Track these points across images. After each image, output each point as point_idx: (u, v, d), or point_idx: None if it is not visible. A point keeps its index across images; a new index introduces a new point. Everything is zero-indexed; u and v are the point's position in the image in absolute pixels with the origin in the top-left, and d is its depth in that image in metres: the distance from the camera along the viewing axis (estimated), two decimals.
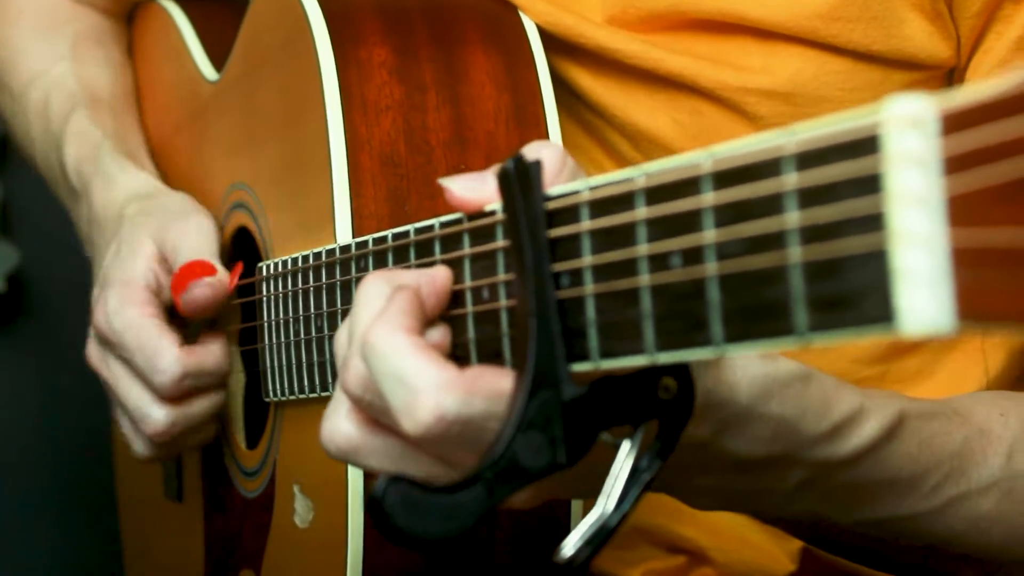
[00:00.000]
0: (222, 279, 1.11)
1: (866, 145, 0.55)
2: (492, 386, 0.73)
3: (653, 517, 1.13)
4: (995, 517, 0.89)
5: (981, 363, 1.09)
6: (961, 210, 0.53)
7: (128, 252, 1.15)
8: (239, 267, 1.14)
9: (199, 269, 1.10)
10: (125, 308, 1.12)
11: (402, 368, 0.73)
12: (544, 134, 1.04)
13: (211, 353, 1.12)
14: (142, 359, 1.11)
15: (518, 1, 1.08)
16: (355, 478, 0.96)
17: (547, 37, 1.08)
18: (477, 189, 0.79)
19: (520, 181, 0.74)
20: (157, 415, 1.11)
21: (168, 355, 1.10)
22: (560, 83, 1.10)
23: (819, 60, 1.03)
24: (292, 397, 1.05)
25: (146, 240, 1.15)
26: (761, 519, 0.91)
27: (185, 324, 1.16)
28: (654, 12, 1.06)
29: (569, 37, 1.08)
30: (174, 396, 1.11)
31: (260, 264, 1.10)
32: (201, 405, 1.13)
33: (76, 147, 1.27)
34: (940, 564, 0.97)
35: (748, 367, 0.78)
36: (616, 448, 0.73)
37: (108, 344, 1.13)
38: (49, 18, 1.37)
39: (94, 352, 1.16)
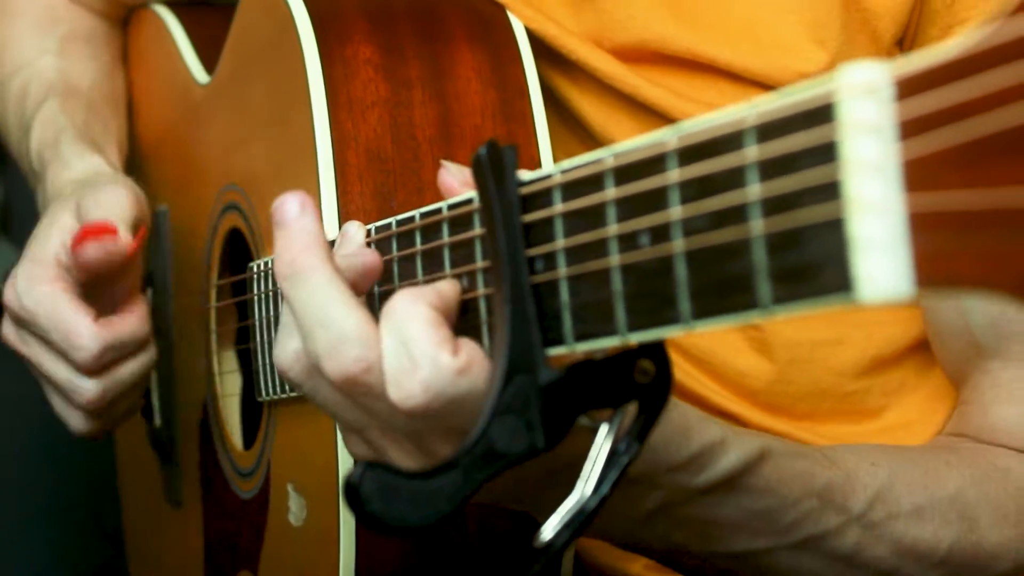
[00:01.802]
0: (120, 240, 1.07)
1: (822, 114, 0.55)
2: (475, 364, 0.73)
3: None
4: (852, 556, 0.92)
5: None
6: (917, 175, 0.53)
7: (46, 226, 1.13)
8: (142, 231, 1.11)
9: (97, 230, 1.07)
10: (35, 285, 1.10)
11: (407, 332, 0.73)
12: (531, 130, 1.04)
13: (127, 322, 1.11)
14: (59, 337, 1.09)
15: (506, 2, 1.08)
16: (347, 475, 0.96)
17: (535, 42, 1.08)
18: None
19: (493, 168, 0.74)
20: (85, 386, 1.10)
21: (85, 331, 1.08)
22: (548, 91, 1.10)
23: None
24: (283, 396, 1.05)
25: (65, 215, 1.13)
26: (611, 541, 0.92)
27: (100, 292, 1.12)
28: (627, 45, 1.07)
29: (554, 46, 1.08)
30: (97, 369, 1.10)
31: (251, 263, 1.11)
32: (128, 369, 1.11)
33: (41, 132, 1.26)
34: None
35: None
36: (594, 432, 0.73)
37: (22, 323, 1.12)
38: (45, 16, 1.38)
39: (9, 331, 1.14)
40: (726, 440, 0.85)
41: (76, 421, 1.15)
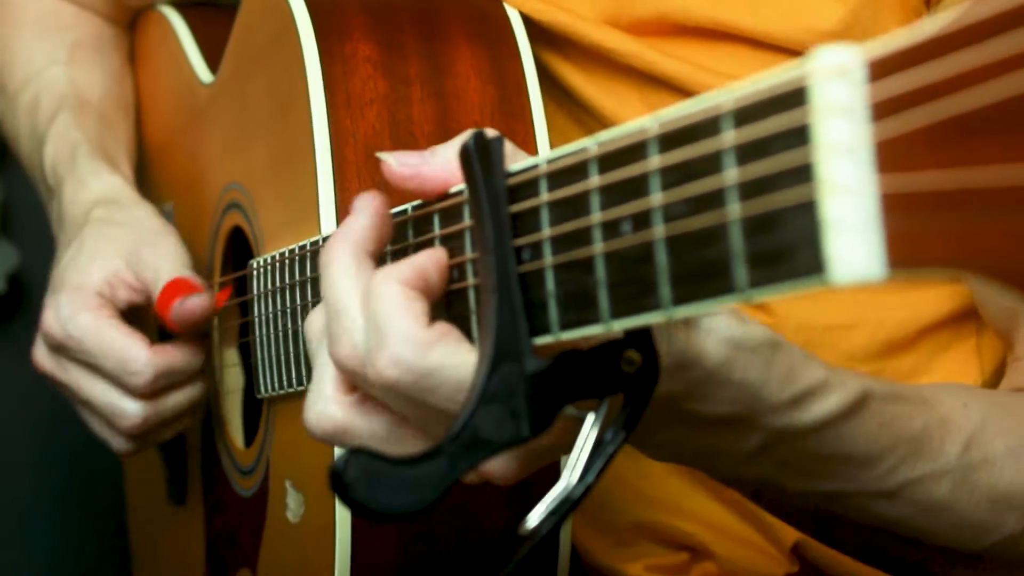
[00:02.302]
0: (209, 295, 1.13)
1: (795, 97, 0.55)
2: (452, 347, 0.74)
3: (655, 513, 1.13)
4: (945, 504, 0.90)
5: (976, 362, 1.09)
6: (890, 156, 0.53)
7: (87, 258, 1.16)
8: (229, 289, 1.16)
9: (185, 286, 1.12)
10: (80, 313, 1.13)
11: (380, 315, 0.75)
12: (530, 126, 1.04)
13: (182, 352, 1.14)
14: (112, 363, 1.12)
15: None
16: (332, 461, 0.97)
17: (537, 33, 1.09)
18: (415, 166, 0.80)
19: (481, 158, 0.74)
20: (131, 409, 1.13)
21: (140, 357, 1.11)
22: (550, 79, 1.11)
23: None
24: (281, 391, 1.05)
25: (111, 252, 1.16)
26: (712, 475, 0.91)
27: (143, 326, 1.16)
28: (645, 18, 1.07)
29: (563, 33, 1.09)
30: (148, 394, 1.12)
31: (251, 261, 1.12)
32: (176, 400, 1.14)
33: (55, 147, 1.28)
34: (935, 565, 0.96)
35: (718, 330, 0.78)
36: (580, 421, 0.73)
37: (64, 349, 1.14)
38: (51, 23, 1.39)
39: (45, 358, 1.16)
40: (828, 382, 0.84)
41: (117, 442, 1.17)
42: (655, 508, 1.13)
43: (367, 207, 0.81)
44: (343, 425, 0.80)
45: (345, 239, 0.80)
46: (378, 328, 0.75)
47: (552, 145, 1.04)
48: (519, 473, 0.78)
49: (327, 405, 0.80)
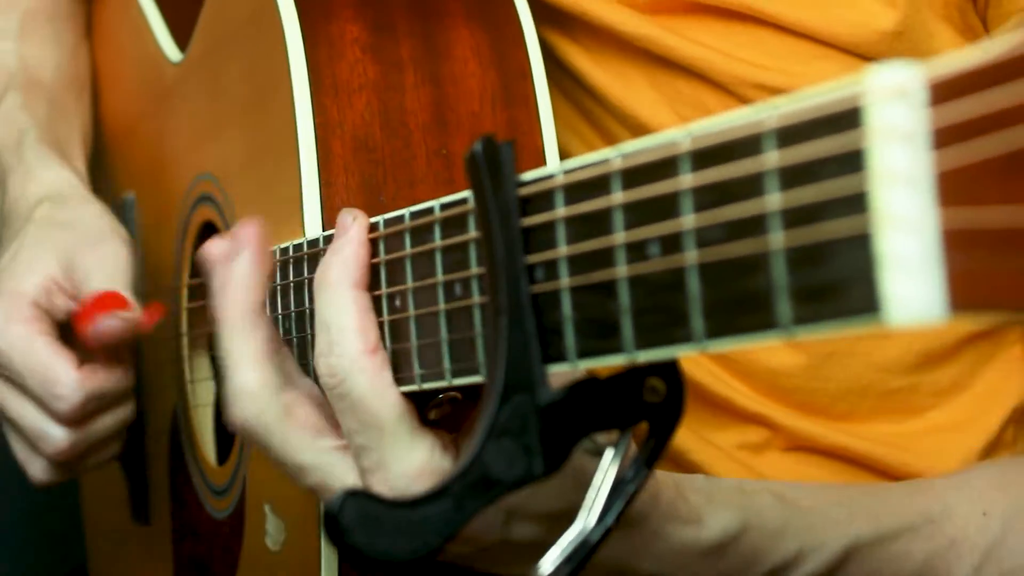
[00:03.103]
0: (135, 315, 1.10)
1: (848, 118, 0.55)
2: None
3: None
4: None
5: (1021, 374, 1.09)
6: (953, 188, 0.53)
7: (25, 263, 1.14)
8: (156, 306, 1.13)
9: (112, 301, 1.09)
10: (10, 325, 1.11)
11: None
12: (534, 115, 1.04)
13: (112, 374, 1.12)
14: (36, 383, 1.10)
15: None
16: (326, 502, 0.96)
17: (543, 11, 1.08)
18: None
19: (489, 166, 0.74)
20: (57, 435, 1.11)
21: (67, 380, 1.09)
22: (556, 63, 1.10)
23: (839, 64, 1.03)
24: None
25: (48, 257, 1.14)
26: None
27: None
28: None
29: (571, 12, 1.08)
30: (76, 420, 1.11)
31: None
32: (105, 423, 1.13)
33: (2, 132, 1.27)
34: None
35: (667, 535, 0.87)
36: (599, 457, 0.73)
37: None
38: None
39: None
40: (802, 552, 0.91)
41: (37, 469, 1.15)
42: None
43: (355, 236, 0.86)
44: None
45: (345, 267, 0.85)
46: (329, 335, 0.83)
47: (558, 138, 1.03)
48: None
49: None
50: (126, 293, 1.11)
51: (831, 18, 1.02)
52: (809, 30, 1.03)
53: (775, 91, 1.03)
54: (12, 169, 1.24)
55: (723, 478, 1.02)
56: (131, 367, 1.14)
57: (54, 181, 1.22)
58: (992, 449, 1.08)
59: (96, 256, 1.14)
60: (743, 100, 1.05)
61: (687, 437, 1.05)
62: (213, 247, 0.92)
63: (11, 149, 1.25)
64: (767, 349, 1.07)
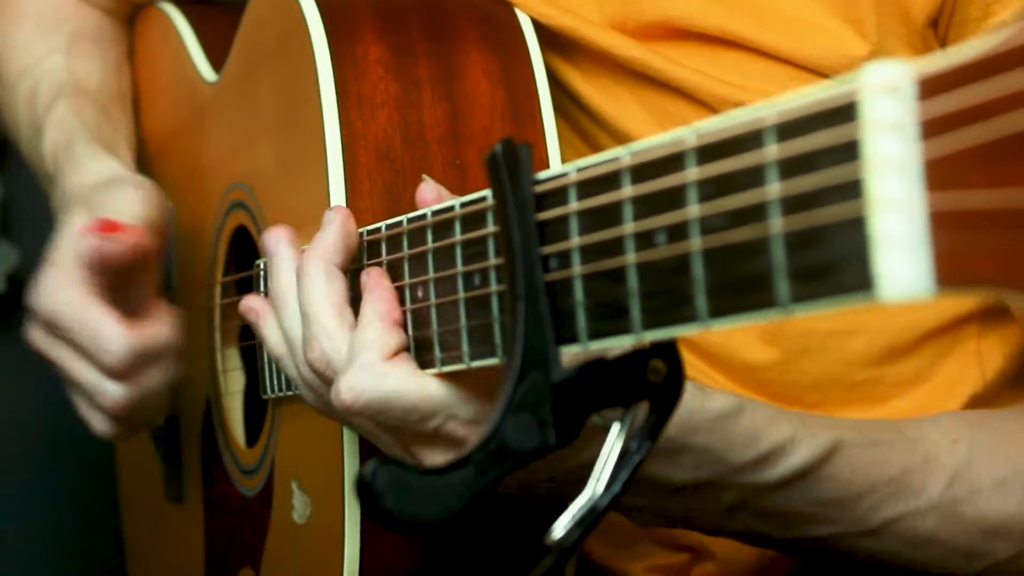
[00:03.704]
0: (126, 235, 1.08)
1: (844, 113, 0.55)
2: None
3: None
4: (931, 538, 0.95)
5: (978, 366, 1.09)
6: (939, 174, 0.53)
7: (66, 232, 1.14)
8: (159, 230, 1.12)
9: (104, 226, 1.08)
10: (60, 289, 1.11)
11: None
12: (540, 131, 1.04)
13: (159, 327, 1.11)
14: (87, 340, 1.10)
15: (516, 0, 1.08)
16: (352, 473, 0.96)
17: (544, 36, 1.08)
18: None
19: (508, 165, 0.74)
20: (111, 389, 1.11)
21: (114, 335, 1.09)
22: (556, 85, 1.11)
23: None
24: (287, 393, 1.05)
25: (80, 220, 1.13)
26: (697, 531, 0.97)
27: (135, 298, 1.13)
28: (651, 23, 1.07)
29: (569, 37, 1.09)
30: (125, 374, 1.10)
31: (257, 261, 1.11)
32: (154, 377, 1.12)
33: (54, 135, 1.27)
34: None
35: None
36: (606, 430, 0.73)
37: (49, 326, 1.12)
38: (51, 15, 1.38)
39: (36, 335, 1.15)
40: (796, 438, 0.89)
41: (99, 423, 1.15)
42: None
43: (334, 220, 0.89)
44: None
45: (317, 251, 0.88)
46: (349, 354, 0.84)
47: (560, 153, 1.04)
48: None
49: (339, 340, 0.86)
50: (133, 222, 1.09)
51: (805, 43, 1.02)
52: (786, 55, 1.03)
53: None
54: (64, 166, 1.24)
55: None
56: (175, 323, 1.13)
57: (102, 171, 1.21)
58: None
59: (108, 199, 1.13)
60: None
61: None
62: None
63: (63, 148, 1.25)
64: (745, 346, 1.07)
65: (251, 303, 0.98)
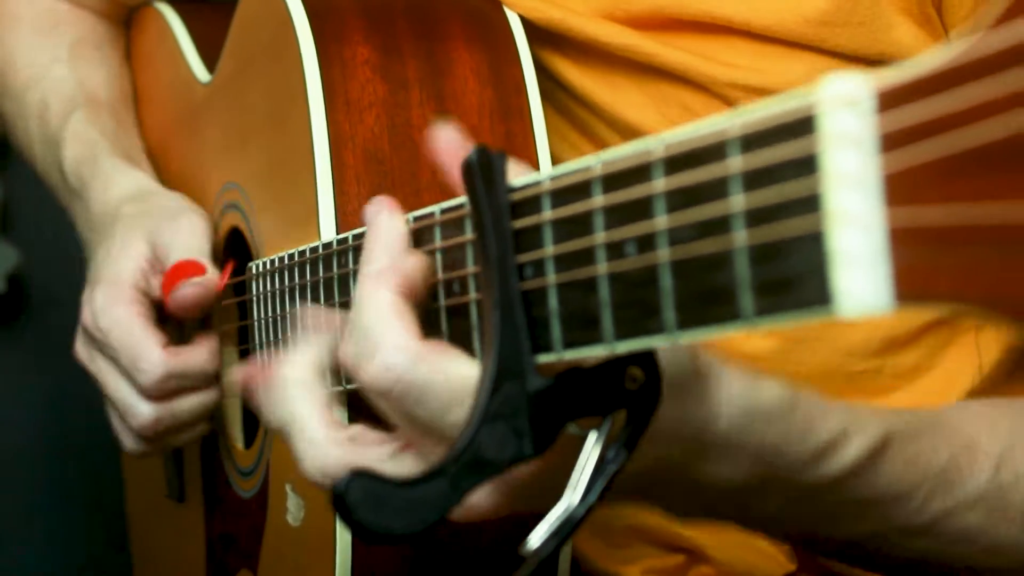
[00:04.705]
0: (211, 278, 1.12)
1: (803, 126, 0.54)
2: (442, 362, 0.74)
3: (651, 516, 1.13)
4: (981, 530, 0.90)
5: (976, 358, 1.08)
6: (898, 189, 0.52)
7: (119, 251, 1.16)
8: (230, 266, 1.15)
9: (189, 268, 1.11)
10: (112, 307, 1.13)
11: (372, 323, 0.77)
12: (529, 128, 1.04)
13: (197, 355, 1.13)
14: (126, 358, 1.12)
15: None
16: (334, 483, 0.96)
17: (533, 30, 1.08)
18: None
19: (483, 173, 0.73)
20: (142, 409, 1.12)
21: (152, 355, 1.11)
22: (547, 76, 1.10)
23: (808, 61, 1.02)
24: None
25: (138, 241, 1.16)
26: (745, 527, 0.91)
27: (179, 324, 1.16)
28: (640, 13, 1.06)
29: (557, 30, 1.08)
30: (158, 395, 1.12)
31: (250, 264, 1.11)
32: (187, 403, 1.13)
33: (74, 149, 1.28)
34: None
35: (731, 394, 0.78)
36: (583, 439, 0.73)
37: (95, 341, 1.15)
38: (47, 22, 1.38)
39: (82, 349, 1.17)
40: (848, 431, 0.83)
41: (127, 439, 1.17)
42: (653, 511, 1.13)
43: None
44: (348, 463, 0.78)
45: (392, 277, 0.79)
46: (369, 337, 0.76)
47: (551, 148, 1.03)
48: (502, 509, 0.77)
49: (326, 450, 0.80)
50: (203, 259, 1.13)
51: (789, 20, 1.01)
52: (774, 32, 1.02)
53: (750, 88, 1.03)
54: (91, 181, 1.25)
55: None
56: (216, 354, 1.15)
57: (131, 183, 1.23)
58: None
59: (174, 230, 1.15)
60: (722, 98, 1.05)
61: None
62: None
63: (87, 163, 1.27)
64: (744, 336, 1.06)
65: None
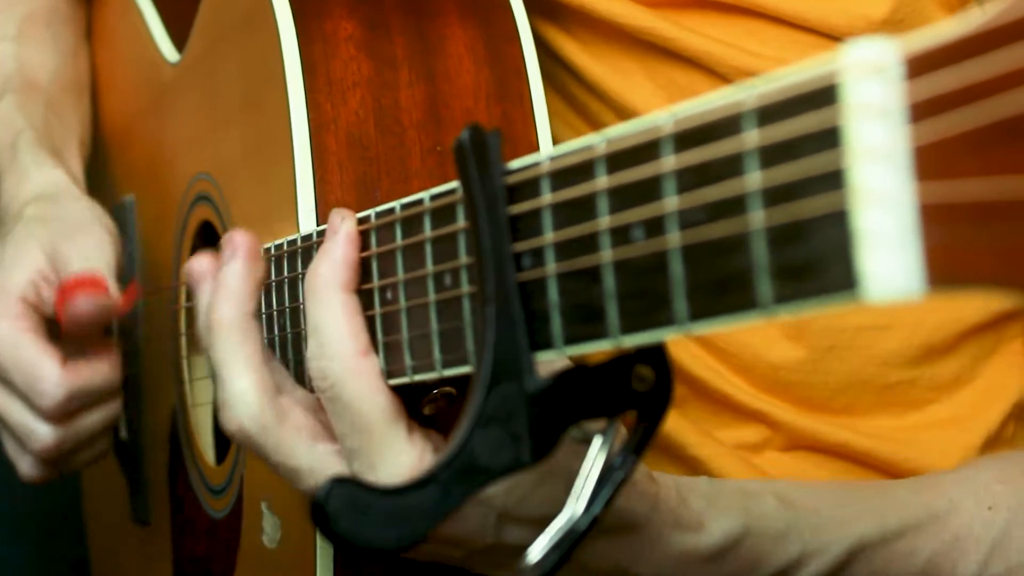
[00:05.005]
0: (110, 298, 1.10)
1: (825, 95, 0.55)
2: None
3: None
4: None
5: (1022, 368, 1.09)
6: (930, 162, 0.52)
7: (11, 259, 1.15)
8: (133, 287, 1.13)
9: (87, 284, 1.09)
10: None
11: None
12: (529, 112, 1.04)
13: (99, 370, 1.12)
14: (21, 380, 1.11)
15: None
16: (312, 491, 0.96)
17: (538, 5, 1.08)
18: None
19: (476, 154, 0.74)
20: (42, 433, 1.12)
21: (50, 377, 1.10)
22: (547, 54, 1.10)
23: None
24: None
25: (34, 250, 1.15)
26: None
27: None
28: None
29: (570, 5, 1.08)
30: (59, 417, 1.11)
31: None
32: (91, 420, 1.13)
33: None
34: None
35: (666, 540, 0.87)
36: (586, 444, 0.73)
37: None
38: None
39: None
40: (805, 555, 0.91)
41: (26, 466, 1.16)
42: None
43: (344, 238, 0.87)
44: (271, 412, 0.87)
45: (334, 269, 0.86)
46: (319, 337, 0.84)
47: (552, 132, 1.04)
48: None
49: (250, 396, 0.87)
50: (108, 277, 1.11)
51: (826, 8, 1.02)
52: (805, 20, 1.03)
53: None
54: (6, 171, 1.24)
55: (726, 480, 1.02)
56: (118, 365, 1.14)
57: (46, 182, 1.22)
58: (992, 444, 1.08)
59: (78, 245, 1.14)
60: None
61: (688, 431, 1.05)
62: (197, 263, 0.93)
63: (6, 151, 1.25)
64: (767, 344, 1.06)
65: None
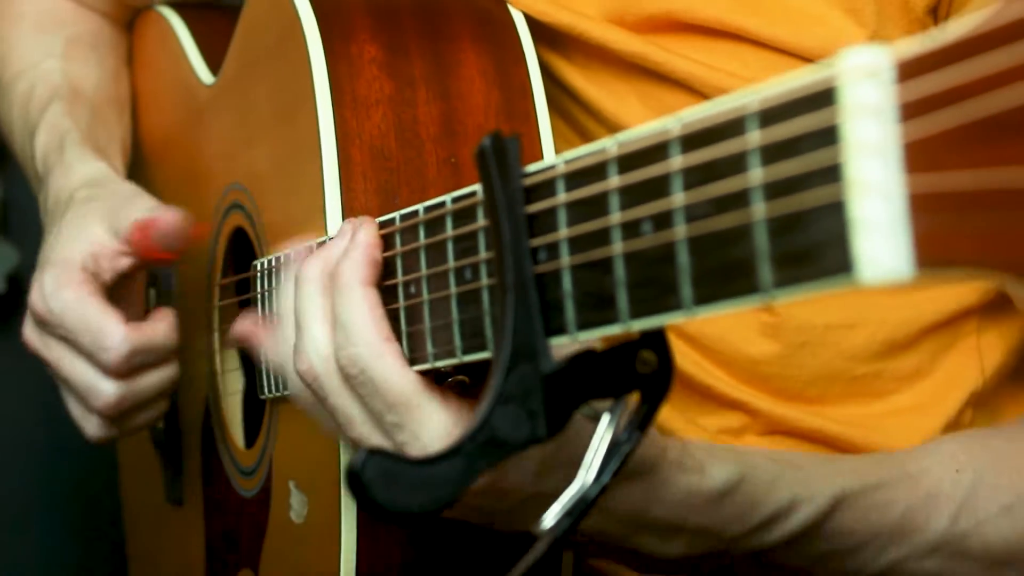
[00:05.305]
0: (187, 222, 1.11)
1: (824, 97, 0.55)
2: None
3: None
4: (940, 573, 0.96)
5: (977, 361, 1.09)
6: (918, 156, 0.53)
7: (70, 234, 1.15)
8: (200, 225, 1.15)
9: (162, 216, 1.11)
10: (62, 289, 1.12)
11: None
12: (534, 129, 1.05)
13: (159, 329, 1.13)
14: (88, 338, 1.11)
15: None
16: (349, 461, 0.97)
17: (540, 32, 1.09)
18: None
19: (497, 158, 0.74)
20: (106, 388, 1.12)
21: (115, 333, 1.10)
22: (552, 81, 1.11)
23: None
24: (285, 393, 1.05)
25: (93, 224, 1.15)
26: None
27: (127, 307, 1.15)
28: (650, 16, 1.07)
29: (567, 32, 1.09)
30: (123, 372, 1.11)
31: (254, 262, 1.11)
32: (150, 380, 1.13)
33: (46, 137, 1.28)
34: None
35: (674, 482, 0.86)
36: (596, 421, 0.74)
37: (47, 325, 1.13)
38: (49, 19, 1.39)
39: (32, 334, 1.16)
40: (794, 501, 0.91)
41: (91, 426, 1.16)
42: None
43: (365, 239, 0.88)
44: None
45: (357, 268, 0.86)
46: (346, 329, 0.84)
47: (556, 151, 1.04)
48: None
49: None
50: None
51: (803, 34, 1.03)
52: (784, 44, 1.04)
53: None
54: (53, 168, 1.25)
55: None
56: (174, 327, 1.14)
57: (92, 170, 1.23)
58: (951, 430, 1.08)
59: (137, 205, 1.14)
60: None
61: (676, 418, 1.05)
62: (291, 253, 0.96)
63: (54, 151, 1.26)
64: (747, 340, 1.07)
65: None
